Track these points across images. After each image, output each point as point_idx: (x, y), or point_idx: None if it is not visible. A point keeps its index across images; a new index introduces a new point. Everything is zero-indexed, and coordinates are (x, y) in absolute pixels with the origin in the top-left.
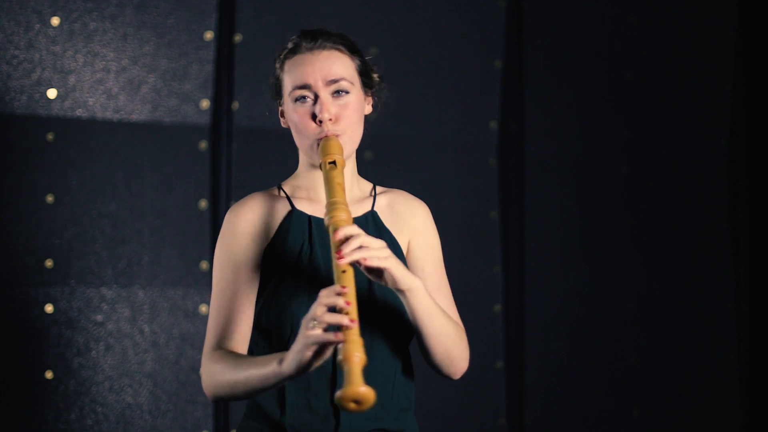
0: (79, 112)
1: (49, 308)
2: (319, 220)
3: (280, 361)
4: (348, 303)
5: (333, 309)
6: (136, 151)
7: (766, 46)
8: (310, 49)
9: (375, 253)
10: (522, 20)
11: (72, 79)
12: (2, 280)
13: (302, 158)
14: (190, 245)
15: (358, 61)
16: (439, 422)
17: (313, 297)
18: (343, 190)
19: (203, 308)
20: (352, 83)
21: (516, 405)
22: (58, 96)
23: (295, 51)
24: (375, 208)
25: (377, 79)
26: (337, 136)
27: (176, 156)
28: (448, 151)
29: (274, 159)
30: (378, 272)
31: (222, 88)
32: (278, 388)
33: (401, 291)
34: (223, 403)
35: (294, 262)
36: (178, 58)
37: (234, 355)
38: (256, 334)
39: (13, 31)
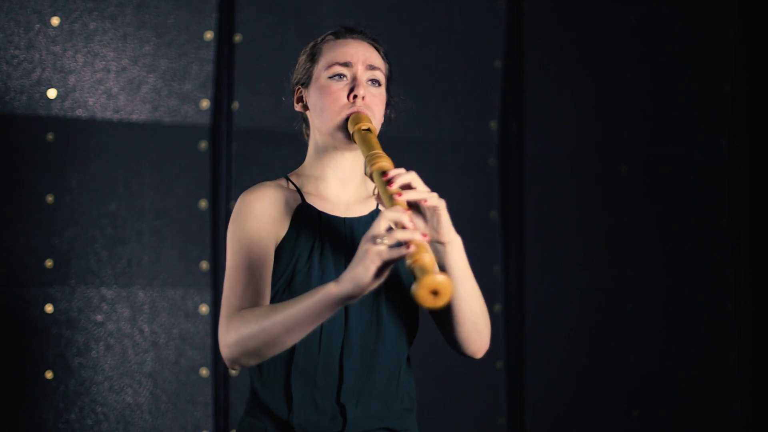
0: (79, 112)
1: (49, 308)
2: (329, 217)
3: (333, 283)
4: (411, 221)
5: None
6: (136, 151)
7: (766, 46)
8: (354, 37)
9: (428, 195)
10: (522, 20)
11: (72, 79)
12: (2, 280)
13: (314, 146)
14: (190, 245)
15: (388, 67)
16: (439, 422)
17: None
18: (379, 145)
19: (203, 308)
20: (384, 77)
21: (516, 405)
22: (58, 96)
23: (336, 36)
24: (380, 207)
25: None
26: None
27: (176, 156)
28: (448, 151)
29: (274, 159)
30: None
31: (222, 88)
32: (284, 385)
33: (442, 243)
34: (241, 366)
35: (306, 259)
36: (178, 58)
37: (263, 306)
38: None
39: (13, 31)
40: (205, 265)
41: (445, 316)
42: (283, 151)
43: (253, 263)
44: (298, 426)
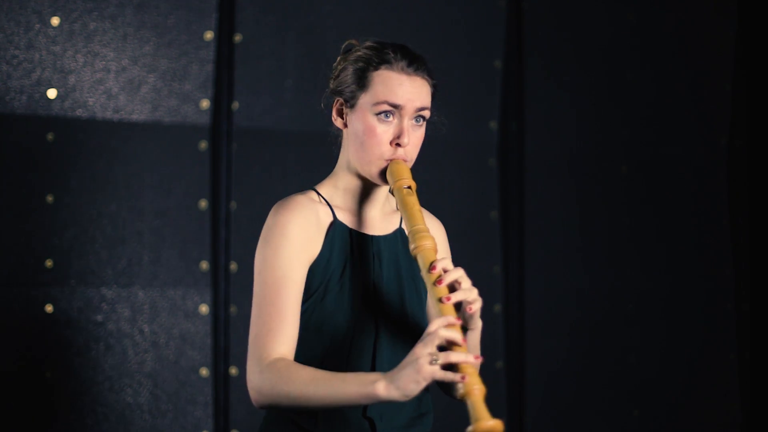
0: (79, 112)
1: (49, 308)
2: (361, 235)
3: (383, 384)
4: (464, 341)
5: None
6: (136, 151)
7: (766, 46)
8: (408, 73)
9: (471, 295)
10: (522, 20)
11: (72, 79)
12: (2, 280)
13: (346, 163)
14: (190, 245)
15: (433, 91)
16: (439, 422)
17: (352, 315)
18: (422, 216)
19: (203, 308)
20: (428, 115)
21: (516, 405)
22: (58, 96)
23: (390, 65)
24: (402, 226)
25: None
26: (405, 161)
27: (176, 156)
28: (448, 151)
29: (274, 159)
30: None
31: (222, 88)
32: None
33: (470, 330)
34: (265, 409)
35: (339, 277)
36: (178, 58)
37: (304, 368)
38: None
39: (13, 31)
40: (205, 265)
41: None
42: (283, 151)
43: (286, 302)
44: None
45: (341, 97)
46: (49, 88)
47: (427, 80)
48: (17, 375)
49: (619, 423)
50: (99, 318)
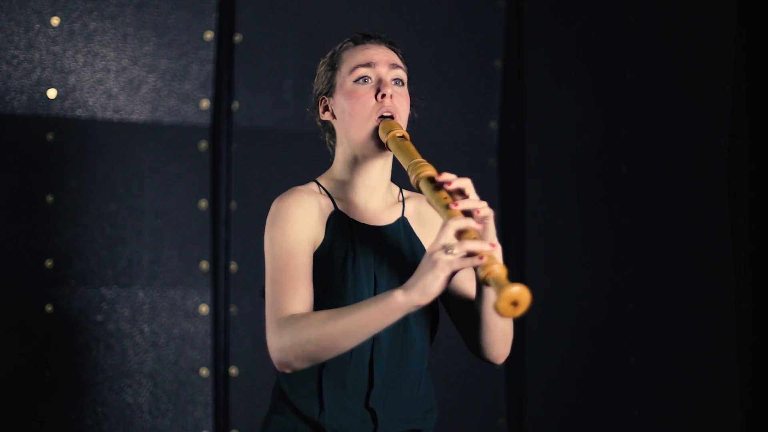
0: (79, 112)
1: (49, 308)
2: (360, 225)
3: (400, 291)
4: (477, 232)
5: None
6: (136, 151)
7: (766, 46)
8: (373, 42)
9: (479, 204)
10: (522, 20)
11: (72, 79)
12: (2, 280)
13: (342, 154)
14: (190, 245)
15: (407, 69)
16: (439, 422)
17: (355, 302)
18: (418, 153)
19: (203, 308)
20: (406, 79)
21: (516, 405)
22: (58, 96)
23: (356, 42)
24: (405, 214)
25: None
26: (393, 117)
27: (176, 156)
28: (448, 151)
29: (274, 159)
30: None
31: (222, 88)
32: (316, 388)
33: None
34: (292, 369)
35: (340, 267)
36: (178, 58)
37: (320, 311)
38: None
39: (13, 31)
40: (205, 265)
41: (475, 322)
42: (283, 151)
43: (298, 268)
44: (330, 428)
45: (322, 94)
46: (49, 88)
47: (391, 48)
48: (17, 375)
49: (619, 423)
50: (99, 318)
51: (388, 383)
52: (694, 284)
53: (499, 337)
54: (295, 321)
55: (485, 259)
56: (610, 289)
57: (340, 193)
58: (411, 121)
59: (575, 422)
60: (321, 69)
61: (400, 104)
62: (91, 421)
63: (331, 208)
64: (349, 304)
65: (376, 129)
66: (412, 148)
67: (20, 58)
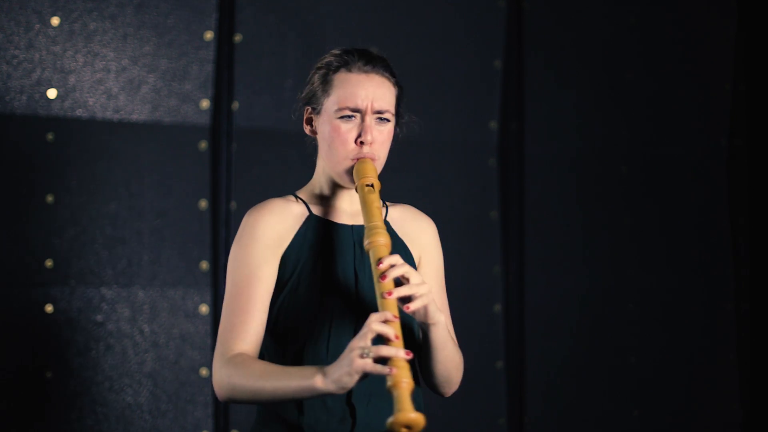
0: (79, 112)
1: (49, 308)
2: (336, 225)
3: (320, 377)
4: (397, 336)
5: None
6: (136, 151)
7: (766, 46)
8: (366, 72)
9: (417, 290)
10: (522, 20)
11: (72, 79)
12: (2, 280)
13: (322, 169)
14: (190, 245)
15: (397, 91)
16: (439, 422)
17: (329, 302)
18: (381, 213)
19: (203, 308)
20: (393, 114)
21: (516, 405)
22: (58, 96)
23: (348, 68)
24: (387, 219)
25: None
26: (372, 160)
27: (176, 156)
28: (448, 151)
29: (274, 159)
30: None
31: (222, 88)
32: None
33: (427, 324)
34: (228, 403)
35: (311, 267)
36: (178, 58)
37: (258, 363)
38: (269, 339)
39: (13, 31)
40: (205, 265)
41: (423, 365)
42: (283, 151)
43: (251, 298)
44: (308, 427)
45: (309, 105)
46: (49, 88)
47: (387, 78)
48: (17, 375)
49: (619, 423)
50: (99, 318)
51: (371, 380)
52: (694, 284)
53: (442, 383)
54: (235, 366)
55: (395, 371)
56: (610, 289)
57: (317, 200)
58: (395, 140)
59: (575, 422)
60: (314, 78)
61: (379, 148)
62: (91, 421)
63: (306, 213)
64: (321, 303)
65: (352, 167)
66: (376, 204)
67: (20, 58)
